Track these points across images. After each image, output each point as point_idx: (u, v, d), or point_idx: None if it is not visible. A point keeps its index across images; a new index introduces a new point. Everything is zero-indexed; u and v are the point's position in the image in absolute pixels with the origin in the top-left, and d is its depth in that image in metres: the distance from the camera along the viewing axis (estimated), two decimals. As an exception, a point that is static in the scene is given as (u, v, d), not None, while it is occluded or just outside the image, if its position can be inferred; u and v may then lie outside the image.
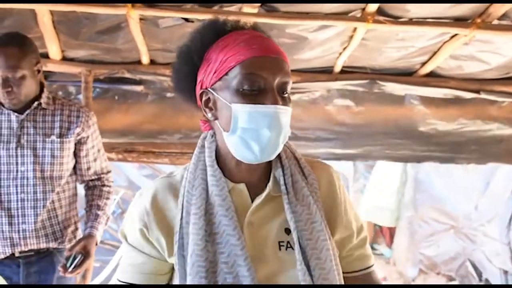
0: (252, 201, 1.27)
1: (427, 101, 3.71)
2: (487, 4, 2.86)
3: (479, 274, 6.86)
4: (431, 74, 3.60)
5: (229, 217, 1.21)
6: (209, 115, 1.27)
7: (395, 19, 2.98)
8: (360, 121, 3.71)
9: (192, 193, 1.25)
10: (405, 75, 3.63)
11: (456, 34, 3.12)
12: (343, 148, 3.76)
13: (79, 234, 2.65)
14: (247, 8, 2.88)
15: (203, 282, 1.18)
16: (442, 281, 6.95)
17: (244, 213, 1.25)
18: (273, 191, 1.27)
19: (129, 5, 2.84)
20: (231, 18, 1.29)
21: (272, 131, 1.18)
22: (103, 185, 2.68)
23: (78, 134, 2.53)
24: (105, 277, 4.69)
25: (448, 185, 6.93)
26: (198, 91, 1.28)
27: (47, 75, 3.52)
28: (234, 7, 2.92)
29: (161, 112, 3.70)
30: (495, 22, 2.98)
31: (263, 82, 1.18)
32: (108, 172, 2.73)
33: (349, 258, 1.37)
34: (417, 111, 3.73)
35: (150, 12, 2.93)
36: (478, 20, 2.96)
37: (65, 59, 3.45)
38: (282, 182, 1.27)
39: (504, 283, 6.71)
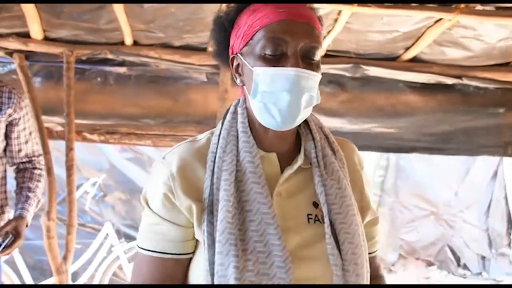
0: (282, 172, 1.26)
1: (414, 89, 3.73)
2: (471, -11, 2.88)
3: (458, 260, 6.96)
4: (415, 59, 3.62)
5: (261, 185, 1.20)
6: (238, 80, 1.28)
7: (380, 3, 2.98)
8: (347, 110, 3.71)
9: (224, 159, 1.23)
10: (388, 59, 3.64)
11: (440, 19, 3.13)
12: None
13: (7, 218, 2.58)
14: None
15: (232, 249, 1.15)
16: (421, 265, 7.04)
17: (273, 182, 1.24)
18: (303, 163, 1.27)
19: (113, -17, 2.80)
20: None
21: (292, 95, 1.17)
22: (34, 168, 2.64)
23: (10, 115, 2.49)
24: (86, 260, 4.67)
25: (429, 172, 7.00)
26: (230, 56, 1.29)
27: (29, 55, 3.47)
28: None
29: (144, 94, 3.67)
30: (479, 7, 3.00)
31: (286, 46, 1.17)
32: (40, 155, 2.69)
33: (371, 241, 1.38)
34: (404, 100, 3.74)
35: (134, -8, 2.90)
36: (462, 5, 2.97)
37: (46, 39, 3.40)
38: (313, 155, 1.27)
39: (481, 268, 6.83)
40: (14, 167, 2.64)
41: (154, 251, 1.25)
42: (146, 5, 3.04)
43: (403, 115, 3.76)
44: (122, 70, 3.57)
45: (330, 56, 3.60)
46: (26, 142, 2.60)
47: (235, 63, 1.27)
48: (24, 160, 2.62)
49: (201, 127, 3.60)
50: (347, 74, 3.64)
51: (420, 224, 7.04)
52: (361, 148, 4.02)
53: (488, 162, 6.69)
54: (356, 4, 2.92)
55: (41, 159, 2.69)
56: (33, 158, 2.65)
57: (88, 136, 3.64)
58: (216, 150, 1.25)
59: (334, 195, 1.23)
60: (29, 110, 2.62)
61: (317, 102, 1.23)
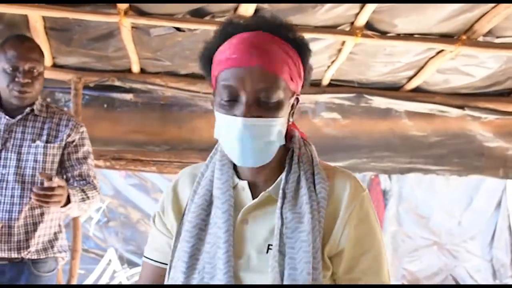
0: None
1: (412, 114, 3.78)
2: (473, 21, 2.93)
3: (461, 290, 6.90)
4: (417, 89, 3.67)
5: (222, 210, 1.25)
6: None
7: (383, 34, 3.04)
8: (346, 134, 3.76)
9: (200, 183, 1.32)
10: (391, 89, 3.69)
11: (442, 50, 3.18)
12: (330, 161, 3.78)
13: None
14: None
15: (182, 266, 1.25)
16: (424, 296, 6.97)
17: (241, 208, 1.27)
18: (276, 194, 1.26)
19: (122, 13, 2.86)
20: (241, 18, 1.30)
21: (242, 143, 1.20)
22: (88, 183, 2.54)
23: (65, 140, 2.52)
24: (89, 286, 4.67)
25: (432, 200, 6.98)
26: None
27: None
28: (226, 18, 2.95)
29: (150, 121, 3.72)
30: (480, 38, 3.05)
31: (238, 93, 1.20)
32: (95, 178, 2.63)
33: (354, 279, 1.27)
34: (402, 124, 3.79)
35: (142, 21, 2.95)
36: (464, 37, 3.02)
37: (55, 65, 3.46)
38: (282, 186, 1.26)
39: (485, 299, 6.76)
40: None
41: (151, 259, 1.41)
42: (153, 34, 3.11)
43: (399, 138, 3.80)
44: (128, 97, 3.63)
45: (334, 85, 3.65)
46: (80, 163, 2.55)
47: (213, 99, 1.31)
48: (77, 178, 2.55)
49: (206, 154, 3.63)
50: (351, 103, 3.68)
51: (423, 254, 7.00)
52: (359, 170, 4.06)
53: (492, 192, 6.67)
54: (360, 35, 2.98)
55: (97, 183, 2.59)
56: (88, 178, 2.56)
57: (94, 161, 3.66)
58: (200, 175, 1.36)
59: (293, 229, 1.22)
60: (87, 138, 2.61)
61: (280, 144, 1.25)
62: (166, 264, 1.34)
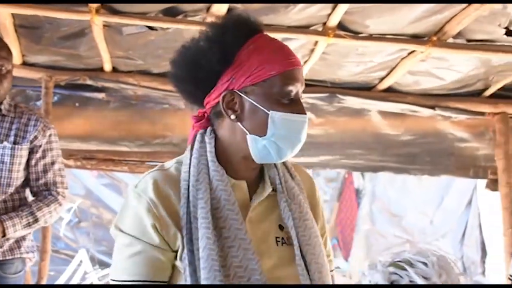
0: (250, 198, 1.32)
1: (384, 113, 3.81)
2: (443, 23, 2.96)
3: (433, 288, 6.97)
4: (389, 89, 3.70)
5: (235, 212, 1.26)
6: (232, 116, 1.28)
7: (355, 34, 3.06)
8: (319, 132, 3.77)
9: (198, 187, 1.26)
10: (364, 89, 3.72)
11: (413, 51, 3.21)
12: (301, 157, 3.81)
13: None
14: (211, 19, 2.90)
15: (217, 275, 1.19)
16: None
17: (243, 209, 1.29)
18: (270, 190, 1.35)
19: (94, 11, 2.83)
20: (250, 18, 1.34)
21: (302, 138, 1.30)
22: (50, 194, 2.53)
23: (31, 142, 2.49)
24: (59, 287, 4.61)
25: (404, 199, 7.06)
26: (221, 90, 1.28)
27: (6, 79, 3.46)
28: (198, 17, 2.95)
29: (122, 119, 3.68)
30: (450, 40, 3.09)
31: (295, 93, 1.28)
32: (63, 188, 2.58)
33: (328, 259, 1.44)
34: (374, 123, 3.82)
35: (114, 19, 2.93)
36: (434, 38, 3.06)
37: (25, 63, 3.41)
38: (277, 181, 1.34)
39: (456, 296, 6.85)
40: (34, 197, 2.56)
41: (149, 281, 1.25)
42: (125, 33, 3.08)
43: (371, 136, 3.84)
44: (100, 96, 3.59)
45: (307, 85, 3.64)
46: (45, 171, 2.52)
47: (227, 98, 1.28)
48: (42, 188, 2.53)
49: (178, 153, 3.61)
50: (324, 103, 3.70)
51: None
52: (331, 166, 4.09)
53: (462, 191, 6.77)
54: (332, 35, 3.00)
55: (63, 192, 2.56)
56: (52, 187, 2.54)
57: (64, 161, 3.61)
58: (189, 179, 1.27)
59: (298, 219, 1.32)
60: (55, 141, 2.57)
61: None
62: (163, 282, 1.26)
